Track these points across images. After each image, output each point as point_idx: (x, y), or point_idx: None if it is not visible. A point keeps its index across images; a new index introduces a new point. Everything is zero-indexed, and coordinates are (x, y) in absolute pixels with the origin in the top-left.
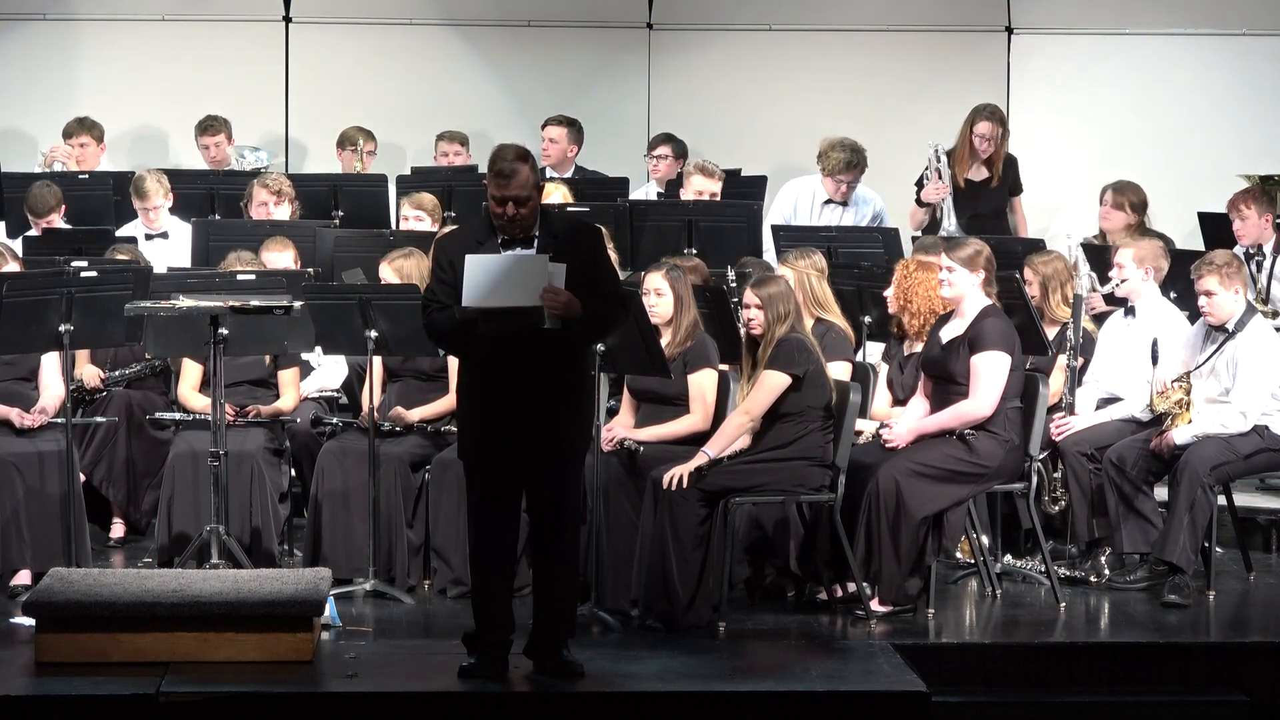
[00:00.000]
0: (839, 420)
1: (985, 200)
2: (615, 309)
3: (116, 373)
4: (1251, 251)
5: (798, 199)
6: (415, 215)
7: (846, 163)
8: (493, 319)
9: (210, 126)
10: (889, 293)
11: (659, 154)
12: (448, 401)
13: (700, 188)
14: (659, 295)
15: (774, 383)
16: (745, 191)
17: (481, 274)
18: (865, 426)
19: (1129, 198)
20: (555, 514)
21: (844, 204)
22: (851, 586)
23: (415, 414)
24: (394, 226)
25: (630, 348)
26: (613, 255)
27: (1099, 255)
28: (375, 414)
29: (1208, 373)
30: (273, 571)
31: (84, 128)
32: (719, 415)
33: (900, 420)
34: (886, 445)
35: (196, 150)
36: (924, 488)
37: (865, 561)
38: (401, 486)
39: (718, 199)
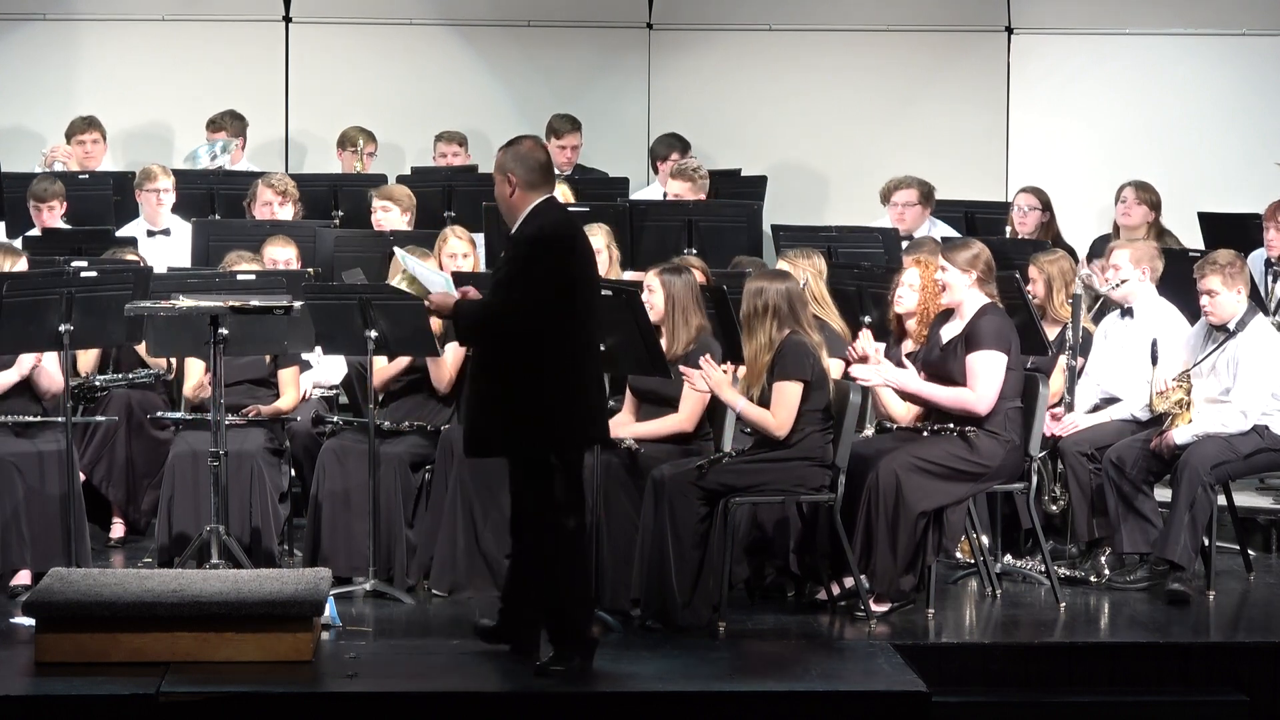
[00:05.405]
0: (839, 420)
1: None
2: (487, 319)
3: (103, 376)
4: (1274, 261)
5: None
6: (383, 206)
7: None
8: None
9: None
10: (901, 294)
11: (672, 159)
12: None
13: (677, 192)
14: (650, 292)
15: (792, 395)
16: (745, 191)
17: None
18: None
19: (1151, 196)
20: (521, 515)
21: None
22: (849, 581)
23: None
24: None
25: (630, 348)
26: (613, 255)
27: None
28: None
29: (1208, 372)
30: (273, 571)
31: (92, 125)
32: (719, 416)
33: (893, 369)
34: (857, 379)
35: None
36: (924, 483)
37: (863, 556)
38: (401, 486)
39: (703, 200)
